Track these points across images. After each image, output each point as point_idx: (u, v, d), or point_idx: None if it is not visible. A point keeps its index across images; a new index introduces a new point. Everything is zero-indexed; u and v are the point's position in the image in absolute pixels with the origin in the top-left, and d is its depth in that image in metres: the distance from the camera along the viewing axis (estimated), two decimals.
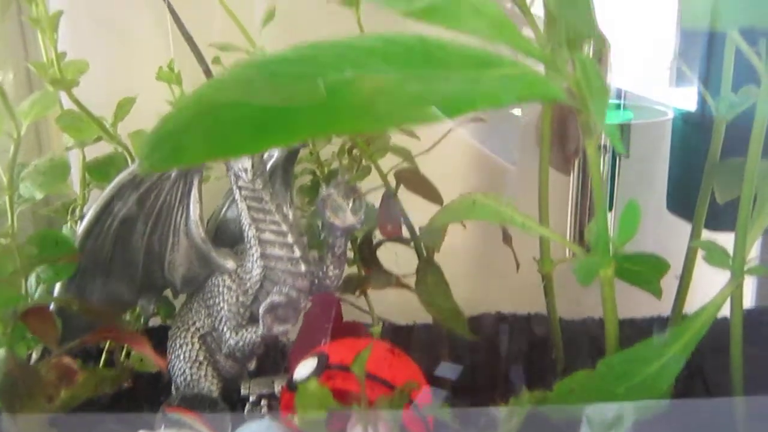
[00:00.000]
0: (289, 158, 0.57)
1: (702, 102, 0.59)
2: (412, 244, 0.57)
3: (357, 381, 0.43)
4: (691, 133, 0.63)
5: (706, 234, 0.58)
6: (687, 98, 0.63)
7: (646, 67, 0.68)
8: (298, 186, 0.65)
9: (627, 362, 0.40)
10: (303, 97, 0.29)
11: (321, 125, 0.29)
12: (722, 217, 0.58)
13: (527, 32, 0.52)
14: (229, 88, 0.29)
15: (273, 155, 0.55)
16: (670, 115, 0.66)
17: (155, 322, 0.62)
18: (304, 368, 0.47)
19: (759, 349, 0.52)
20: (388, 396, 0.41)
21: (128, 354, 0.60)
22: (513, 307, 0.72)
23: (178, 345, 0.54)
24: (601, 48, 0.57)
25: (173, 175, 0.51)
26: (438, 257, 0.60)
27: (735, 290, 0.43)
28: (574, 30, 0.35)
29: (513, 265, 0.60)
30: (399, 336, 0.66)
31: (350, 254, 0.60)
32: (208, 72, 0.63)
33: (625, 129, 0.67)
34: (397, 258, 0.62)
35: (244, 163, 0.49)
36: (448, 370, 0.60)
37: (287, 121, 0.29)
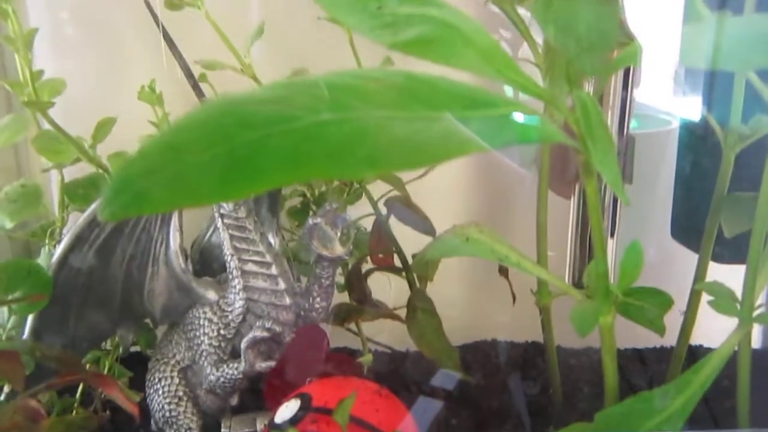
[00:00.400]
0: None
1: (712, 110, 0.57)
2: (403, 273, 0.55)
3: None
4: (697, 153, 0.61)
5: (712, 267, 0.55)
6: (692, 108, 0.60)
7: (650, 75, 0.65)
8: (287, 208, 0.63)
9: (625, 416, 0.37)
10: (276, 142, 0.26)
11: (295, 171, 0.27)
12: (730, 249, 0.55)
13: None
14: (196, 131, 0.27)
15: None
16: (675, 124, 0.64)
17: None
18: (287, 410, 0.44)
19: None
20: None
21: None
22: (512, 334, 0.70)
23: (156, 379, 0.52)
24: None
25: None
26: (434, 281, 0.58)
27: (742, 338, 0.40)
28: (575, 65, 0.32)
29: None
30: (390, 363, 0.64)
31: (342, 279, 0.58)
32: (198, 90, 0.61)
33: (630, 139, 0.65)
34: (390, 288, 0.59)
35: None
36: (445, 380, 0.58)
37: (258, 167, 0.26)
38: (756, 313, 0.41)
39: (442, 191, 0.70)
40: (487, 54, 0.32)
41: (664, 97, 0.66)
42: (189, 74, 0.61)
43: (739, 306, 0.40)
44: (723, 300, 0.40)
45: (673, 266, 0.62)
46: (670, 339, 0.60)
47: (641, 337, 0.68)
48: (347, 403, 0.38)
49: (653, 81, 0.65)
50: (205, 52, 0.57)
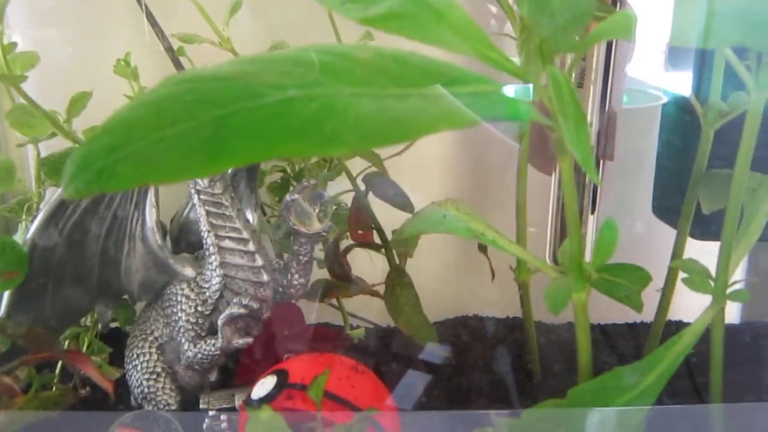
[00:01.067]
0: None
1: (696, 88, 0.56)
2: (382, 250, 0.54)
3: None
4: (678, 129, 0.61)
5: (692, 244, 0.55)
6: (681, 83, 0.60)
7: (639, 50, 0.65)
8: (268, 184, 0.62)
9: (598, 392, 0.37)
10: (241, 120, 0.26)
11: (261, 149, 0.26)
12: (709, 226, 0.55)
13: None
14: (159, 108, 0.26)
15: None
16: (664, 100, 0.64)
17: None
18: (263, 387, 0.44)
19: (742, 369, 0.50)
20: (345, 424, 0.39)
21: None
22: (495, 309, 0.70)
23: (135, 355, 0.52)
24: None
25: None
26: (416, 257, 0.58)
27: (716, 315, 0.40)
28: (549, 41, 0.32)
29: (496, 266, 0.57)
30: (375, 339, 0.64)
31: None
32: (178, 64, 0.60)
33: (612, 116, 0.64)
34: (372, 264, 0.59)
35: None
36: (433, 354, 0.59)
37: (223, 144, 0.26)
38: (730, 290, 0.41)
39: (426, 166, 0.69)
40: (460, 29, 0.31)
41: (655, 72, 0.66)
42: (169, 47, 0.60)
43: (712, 283, 0.40)
44: (697, 277, 0.40)
45: (657, 243, 0.62)
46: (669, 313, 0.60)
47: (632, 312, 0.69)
48: (321, 380, 0.38)
49: (645, 56, 0.64)
50: (187, 25, 0.57)
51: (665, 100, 0.63)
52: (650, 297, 0.51)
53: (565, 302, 0.37)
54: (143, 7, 0.61)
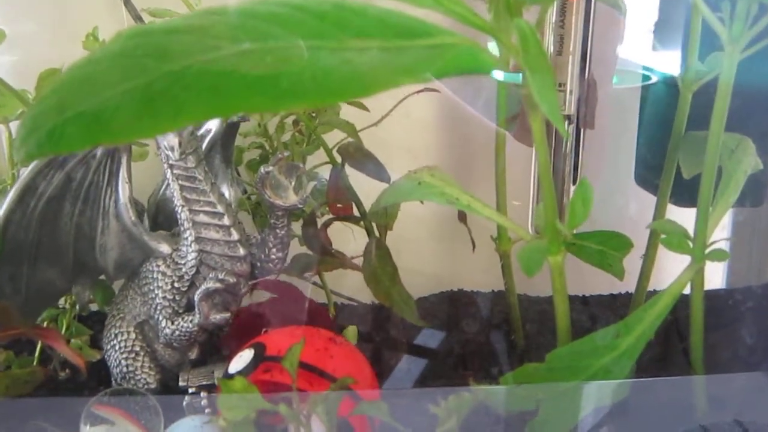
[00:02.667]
0: (229, 132, 0.53)
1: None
2: (362, 223, 0.54)
3: (297, 373, 0.40)
4: (658, 96, 0.60)
5: (673, 211, 0.55)
6: (669, 63, 0.59)
7: (628, 31, 0.64)
8: (246, 161, 0.61)
9: (577, 355, 0.37)
10: (194, 74, 0.25)
11: (216, 105, 0.25)
12: (690, 192, 0.55)
13: None
14: (110, 64, 0.26)
15: (210, 129, 0.52)
16: (654, 80, 0.63)
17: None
18: (240, 360, 0.44)
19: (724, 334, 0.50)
20: (321, 393, 0.38)
21: (68, 342, 0.57)
22: (480, 283, 0.69)
23: (113, 335, 0.51)
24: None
25: (98, 152, 0.48)
26: (400, 231, 0.57)
27: (696, 275, 0.40)
28: None
29: (480, 239, 0.56)
30: (358, 316, 0.64)
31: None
32: None
33: (592, 83, 0.64)
34: (354, 239, 0.58)
35: (171, 141, 0.45)
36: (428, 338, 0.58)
37: (177, 101, 0.25)
38: (709, 250, 0.41)
39: (412, 146, 0.69)
40: None
41: (645, 52, 0.65)
42: (138, 17, 0.59)
43: (691, 243, 0.40)
44: (675, 237, 0.39)
45: (640, 212, 0.62)
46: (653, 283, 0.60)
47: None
48: (296, 350, 0.38)
49: (634, 35, 0.64)
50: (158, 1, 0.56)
51: (655, 80, 0.62)
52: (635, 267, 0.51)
53: (539, 264, 0.36)
54: None
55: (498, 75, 0.64)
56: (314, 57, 0.26)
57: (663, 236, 0.40)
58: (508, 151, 0.59)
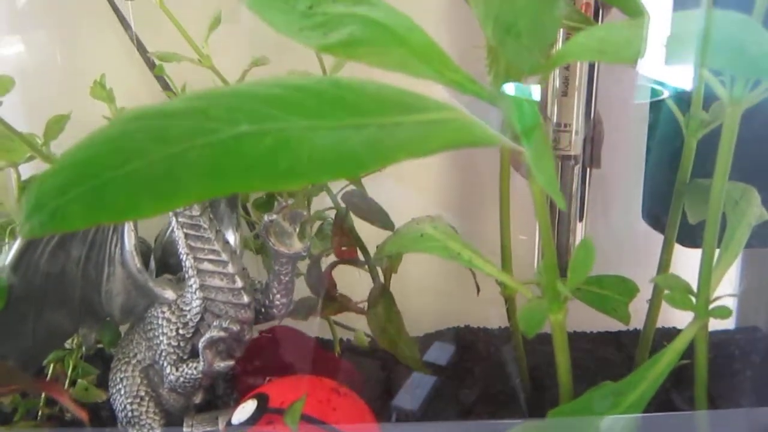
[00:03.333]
0: None
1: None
2: (366, 267, 0.54)
3: (300, 426, 0.40)
4: (667, 134, 0.60)
5: (684, 251, 0.55)
6: (682, 78, 0.59)
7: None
8: (253, 200, 0.62)
9: (578, 413, 0.37)
10: (194, 157, 0.26)
11: (215, 186, 0.26)
12: (698, 234, 0.54)
13: None
14: (110, 147, 0.26)
15: None
16: (666, 95, 0.63)
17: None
18: (243, 411, 0.44)
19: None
20: None
21: (73, 383, 0.57)
22: (486, 319, 0.69)
23: (118, 379, 0.51)
24: None
25: None
26: (408, 266, 0.57)
27: (699, 330, 0.40)
28: (514, 62, 0.31)
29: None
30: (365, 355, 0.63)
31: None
32: (162, 82, 0.60)
33: (598, 123, 0.63)
34: (360, 278, 0.59)
35: None
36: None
37: (176, 182, 0.26)
38: (713, 305, 0.41)
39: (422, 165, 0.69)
40: (422, 53, 0.31)
41: (658, 67, 0.64)
42: (152, 66, 0.60)
43: (694, 299, 0.40)
44: (677, 293, 0.39)
45: (648, 250, 0.61)
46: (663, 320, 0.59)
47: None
48: (297, 406, 0.38)
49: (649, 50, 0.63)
50: (174, 41, 0.56)
51: (667, 94, 0.62)
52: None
53: (540, 324, 0.36)
54: (126, 26, 0.61)
55: (509, 89, 0.64)
56: (312, 137, 0.26)
57: (666, 292, 0.40)
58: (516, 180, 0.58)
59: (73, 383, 0.57)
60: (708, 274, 0.39)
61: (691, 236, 0.54)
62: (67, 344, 0.58)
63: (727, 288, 0.45)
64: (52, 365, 0.57)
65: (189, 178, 0.26)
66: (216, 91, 0.27)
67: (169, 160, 0.26)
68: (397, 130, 0.28)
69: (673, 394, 0.50)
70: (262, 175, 0.26)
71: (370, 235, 0.57)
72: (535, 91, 0.57)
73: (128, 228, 0.49)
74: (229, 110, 0.26)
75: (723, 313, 0.39)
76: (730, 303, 0.41)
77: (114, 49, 0.63)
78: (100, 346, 0.59)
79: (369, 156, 0.27)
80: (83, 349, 0.56)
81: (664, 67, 0.62)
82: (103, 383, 0.57)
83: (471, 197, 0.72)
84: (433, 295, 0.72)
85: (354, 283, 0.58)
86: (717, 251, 0.42)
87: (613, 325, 0.68)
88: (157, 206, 0.26)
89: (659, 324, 0.58)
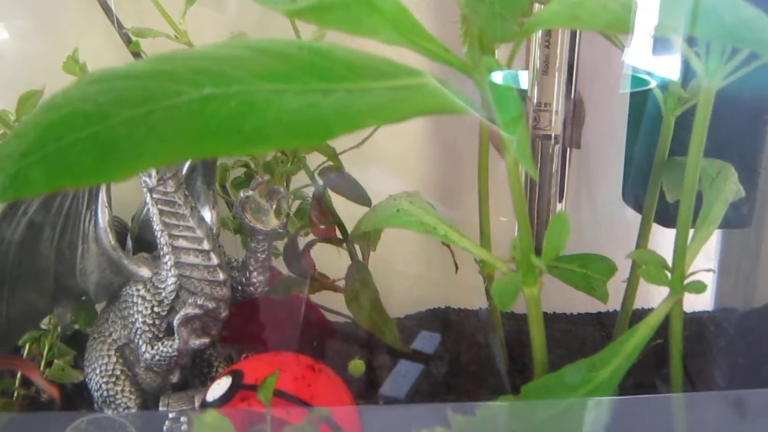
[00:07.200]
0: None
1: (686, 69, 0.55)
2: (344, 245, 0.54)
3: (273, 402, 0.40)
4: (645, 114, 0.60)
5: (659, 231, 0.55)
6: (669, 68, 0.58)
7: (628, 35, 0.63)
8: (231, 179, 0.61)
9: (551, 389, 0.37)
10: (157, 120, 0.25)
11: (179, 150, 0.25)
12: (674, 213, 0.55)
13: None
14: (72, 109, 0.25)
15: None
16: (653, 84, 0.63)
17: None
18: (218, 388, 0.44)
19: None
20: (296, 425, 0.38)
21: (49, 364, 0.56)
22: (468, 300, 0.69)
23: (94, 358, 0.51)
24: None
25: None
26: (386, 248, 0.57)
27: (675, 306, 0.40)
28: (487, 30, 0.31)
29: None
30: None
31: None
32: (139, 58, 0.59)
33: (579, 103, 0.63)
34: (340, 257, 0.58)
35: None
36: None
37: (139, 146, 0.25)
38: (689, 280, 0.41)
39: (403, 149, 0.68)
40: (394, 20, 0.30)
41: (645, 57, 0.64)
42: (128, 42, 0.59)
43: (669, 274, 0.40)
44: (653, 268, 0.39)
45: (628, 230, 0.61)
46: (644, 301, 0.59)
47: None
48: (270, 381, 0.37)
49: (635, 40, 0.63)
50: (153, 17, 0.55)
51: (654, 84, 0.62)
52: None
53: (513, 297, 0.36)
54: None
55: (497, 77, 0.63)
56: (278, 100, 0.26)
57: (641, 267, 0.40)
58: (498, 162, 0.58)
59: (49, 364, 0.57)
60: (683, 248, 0.39)
61: (669, 216, 0.54)
62: (44, 324, 0.57)
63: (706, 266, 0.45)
64: (27, 345, 0.56)
65: (152, 141, 0.25)
66: (181, 53, 0.26)
67: (131, 123, 0.25)
68: (366, 96, 0.27)
69: (649, 372, 0.50)
70: (226, 138, 0.25)
71: (350, 214, 0.56)
72: (522, 77, 0.57)
73: (102, 204, 0.48)
74: (193, 72, 0.26)
75: (698, 288, 0.39)
76: (707, 279, 0.41)
77: (91, 24, 0.62)
78: (77, 327, 0.58)
79: (337, 121, 0.26)
80: (59, 329, 0.55)
81: (649, 55, 0.62)
82: (80, 364, 0.57)
83: (453, 184, 0.71)
84: (413, 280, 0.71)
85: (342, 266, 0.58)
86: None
87: (594, 306, 0.69)
88: (120, 170, 0.25)
89: (639, 305, 0.59)
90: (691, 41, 0.36)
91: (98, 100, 0.25)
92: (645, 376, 0.50)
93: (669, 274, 0.40)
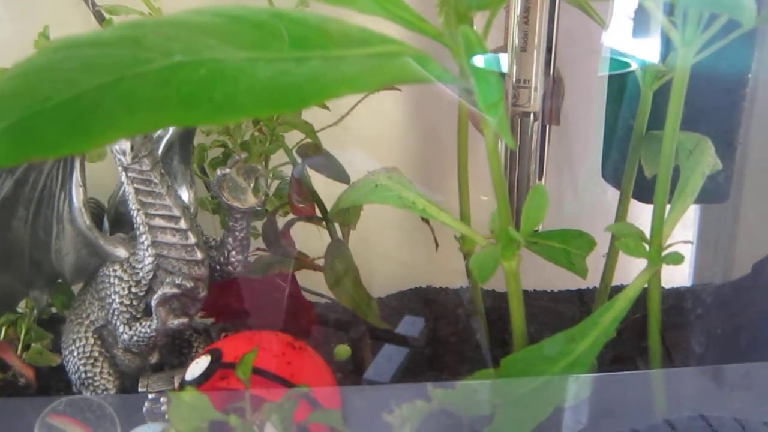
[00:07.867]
0: (187, 132, 0.52)
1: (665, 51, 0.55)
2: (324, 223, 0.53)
3: (253, 380, 0.40)
4: (623, 91, 0.60)
5: (638, 207, 0.55)
6: (649, 49, 0.58)
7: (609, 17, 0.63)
8: (209, 159, 0.60)
9: (531, 361, 0.37)
10: (125, 88, 0.24)
11: (147, 119, 0.25)
12: (653, 188, 0.55)
13: None
14: (38, 78, 0.25)
15: (168, 129, 0.51)
16: (634, 67, 0.62)
17: None
18: (197, 367, 0.43)
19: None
20: (275, 402, 0.38)
21: (27, 347, 0.56)
22: (452, 278, 0.69)
23: (71, 340, 0.50)
24: None
25: None
26: (369, 228, 0.56)
27: (652, 277, 0.40)
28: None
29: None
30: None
31: None
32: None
33: (558, 80, 0.63)
34: (320, 236, 0.58)
35: (122, 145, 0.44)
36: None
37: (107, 115, 0.24)
38: (666, 252, 0.41)
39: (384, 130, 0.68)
40: None
41: (626, 38, 0.64)
42: (101, 20, 0.58)
43: (647, 246, 0.40)
44: (630, 240, 0.39)
45: (607, 207, 0.62)
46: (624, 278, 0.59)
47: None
48: (248, 358, 0.37)
49: (616, 21, 0.63)
50: None
51: (635, 67, 0.62)
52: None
53: (492, 270, 0.36)
54: None
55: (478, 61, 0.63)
56: (250, 69, 0.25)
57: (619, 240, 0.40)
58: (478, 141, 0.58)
59: (26, 347, 0.56)
60: (660, 221, 0.39)
61: (647, 191, 0.54)
62: (20, 308, 0.56)
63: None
64: (4, 329, 0.55)
65: (121, 110, 0.24)
66: (151, 20, 0.26)
67: (99, 92, 0.24)
68: (341, 64, 0.27)
69: (629, 344, 0.50)
70: (197, 107, 0.25)
71: (330, 193, 0.56)
72: (503, 60, 0.57)
73: (76, 183, 0.47)
74: (163, 39, 0.25)
75: (675, 259, 0.39)
76: (686, 253, 0.42)
77: (62, 3, 0.60)
78: (54, 310, 0.58)
79: (311, 90, 0.26)
80: (36, 312, 0.55)
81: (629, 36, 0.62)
82: (58, 347, 0.56)
83: (434, 167, 0.71)
84: (394, 254, 0.71)
85: (322, 246, 0.57)
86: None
87: (575, 283, 0.69)
88: (88, 140, 0.25)
89: (620, 282, 0.59)
90: (668, 9, 0.36)
91: (64, 67, 0.25)
92: (625, 348, 0.50)
93: (647, 247, 0.40)
